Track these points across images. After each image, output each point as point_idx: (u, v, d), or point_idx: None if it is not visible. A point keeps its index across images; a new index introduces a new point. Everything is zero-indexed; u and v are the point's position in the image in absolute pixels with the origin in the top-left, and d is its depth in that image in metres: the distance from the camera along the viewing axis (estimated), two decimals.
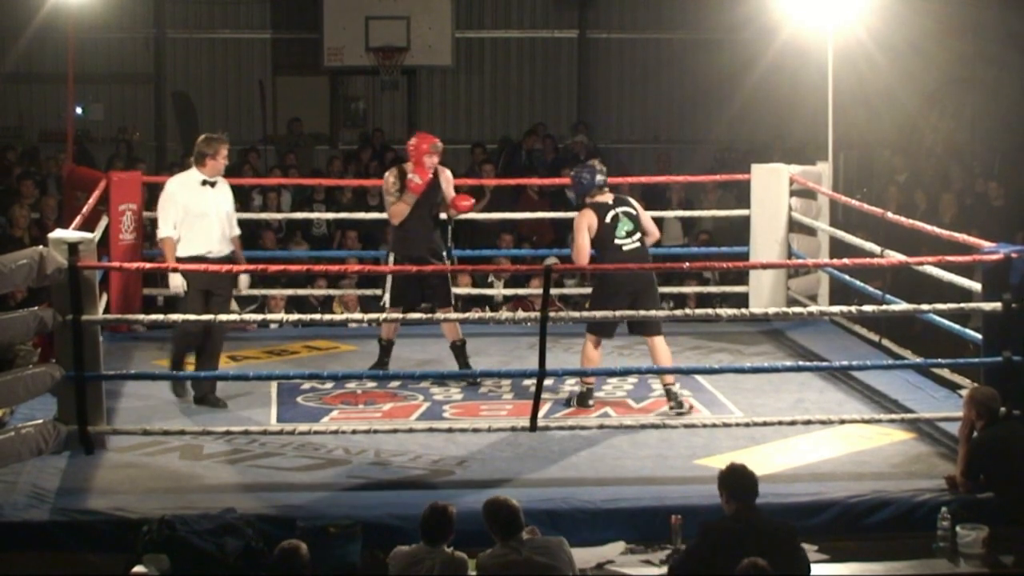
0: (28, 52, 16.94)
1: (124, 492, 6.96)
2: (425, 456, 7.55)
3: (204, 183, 8.61)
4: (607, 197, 8.48)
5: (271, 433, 7.80)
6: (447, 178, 9.07)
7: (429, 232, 9.01)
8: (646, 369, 9.16)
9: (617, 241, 8.38)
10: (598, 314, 8.20)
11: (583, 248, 8.38)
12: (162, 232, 8.48)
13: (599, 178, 8.49)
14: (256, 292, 11.26)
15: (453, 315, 9.00)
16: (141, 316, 9.24)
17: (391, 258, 9.09)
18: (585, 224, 8.39)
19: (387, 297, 9.06)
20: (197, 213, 8.48)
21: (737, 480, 6.15)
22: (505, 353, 9.79)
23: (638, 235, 8.43)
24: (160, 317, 7.95)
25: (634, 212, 8.45)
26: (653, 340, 8.46)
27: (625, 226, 8.41)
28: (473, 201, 9.16)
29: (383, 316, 8.90)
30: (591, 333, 8.45)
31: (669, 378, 8.41)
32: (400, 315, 8.71)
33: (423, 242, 8.96)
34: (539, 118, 18.03)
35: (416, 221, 8.95)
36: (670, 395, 8.37)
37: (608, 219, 8.38)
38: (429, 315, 8.61)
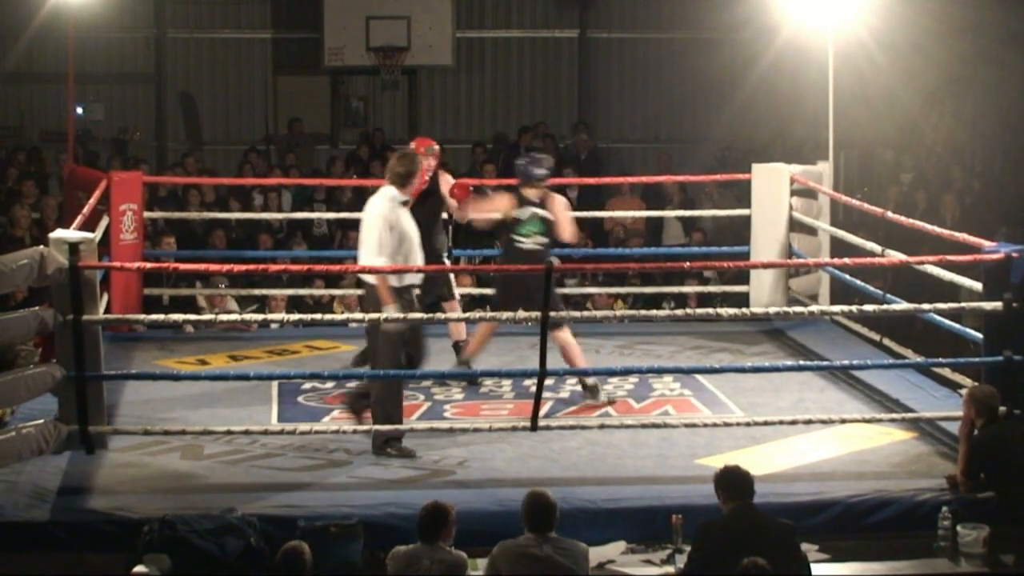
0: (28, 52, 16.93)
1: (125, 492, 6.96)
2: (426, 456, 7.55)
3: (404, 203, 7.83)
4: (535, 193, 8.66)
5: (272, 433, 7.80)
6: (447, 181, 9.08)
7: (428, 234, 8.97)
8: (647, 369, 9.18)
9: (515, 237, 8.61)
10: (598, 314, 8.21)
11: (484, 209, 8.89)
12: (371, 258, 7.63)
13: (539, 172, 8.68)
14: (256, 292, 11.28)
15: (454, 315, 9.01)
16: (142, 316, 9.23)
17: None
18: (500, 203, 8.79)
19: None
20: (405, 236, 7.74)
21: (732, 480, 6.18)
22: (506, 353, 9.78)
23: (539, 238, 8.61)
24: (161, 317, 7.94)
25: (552, 218, 8.61)
26: (558, 335, 8.51)
27: (532, 226, 8.62)
28: (469, 186, 9.11)
29: (383, 316, 8.90)
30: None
31: (579, 364, 8.54)
32: (401, 315, 8.70)
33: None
34: (539, 118, 18.03)
35: (513, 242, 8.95)
36: (586, 388, 8.61)
37: (520, 215, 8.62)
38: (431, 315, 8.60)
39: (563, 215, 8.70)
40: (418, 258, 7.83)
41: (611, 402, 8.56)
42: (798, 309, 8.69)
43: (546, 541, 5.92)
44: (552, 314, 7.62)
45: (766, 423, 7.77)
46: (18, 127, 17.72)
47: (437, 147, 9.12)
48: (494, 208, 8.83)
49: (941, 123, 16.82)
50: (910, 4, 14.37)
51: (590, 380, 8.62)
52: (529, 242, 8.62)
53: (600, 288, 12.00)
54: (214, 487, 7.09)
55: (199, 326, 10.33)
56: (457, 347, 9.13)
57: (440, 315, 8.84)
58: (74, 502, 6.79)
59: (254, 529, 6.37)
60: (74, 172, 11.21)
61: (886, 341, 9.94)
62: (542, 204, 8.66)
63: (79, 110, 17.13)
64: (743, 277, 11.00)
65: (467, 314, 9.39)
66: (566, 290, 11.66)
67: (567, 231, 8.72)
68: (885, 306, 8.96)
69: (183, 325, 10.23)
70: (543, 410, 7.96)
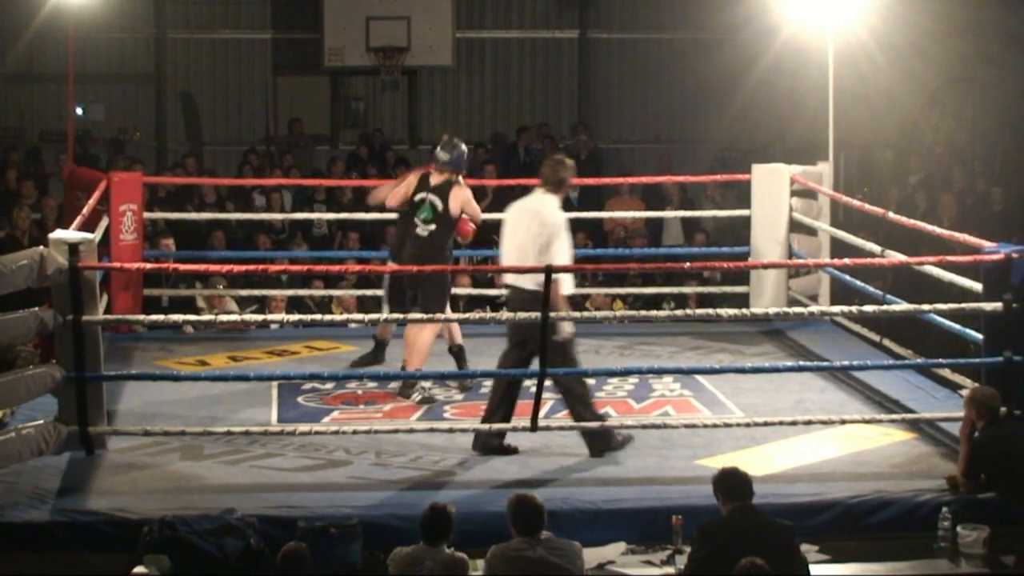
0: (28, 52, 16.93)
1: (125, 493, 6.96)
2: (426, 456, 7.55)
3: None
4: (439, 178, 8.68)
5: (272, 433, 7.80)
6: (459, 195, 8.76)
7: (423, 238, 8.83)
8: (647, 369, 9.18)
9: (415, 219, 8.66)
10: (599, 314, 8.20)
11: (395, 195, 8.79)
12: (561, 261, 7.60)
13: (440, 155, 8.67)
14: (256, 292, 11.29)
15: (453, 315, 9.00)
16: (141, 316, 9.23)
17: (389, 261, 9.22)
18: (405, 183, 8.82)
19: (385, 301, 9.22)
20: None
21: (730, 482, 6.18)
22: None
23: (432, 226, 8.62)
24: (161, 317, 7.94)
25: (440, 206, 8.60)
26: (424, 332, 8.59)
27: (423, 212, 8.64)
28: (473, 229, 9.01)
29: (383, 316, 8.91)
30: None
31: (412, 364, 8.57)
32: (399, 316, 8.70)
33: (416, 247, 8.81)
34: (539, 118, 18.03)
35: (412, 227, 8.85)
36: (405, 386, 8.59)
37: (416, 198, 8.68)
38: (431, 315, 8.59)
39: (457, 206, 8.64)
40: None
41: (426, 401, 8.54)
42: (798, 309, 8.68)
43: (538, 542, 5.92)
44: (555, 314, 7.59)
45: (766, 423, 7.76)
46: (18, 127, 17.72)
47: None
48: (403, 190, 8.80)
49: (941, 123, 16.82)
50: (910, 4, 14.37)
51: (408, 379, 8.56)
52: (423, 228, 8.63)
53: (600, 288, 11.99)
54: (214, 487, 7.09)
55: (199, 326, 10.33)
56: (452, 351, 9.16)
57: (440, 315, 8.83)
58: (74, 502, 6.79)
59: (254, 530, 6.37)
60: (74, 172, 11.21)
61: (886, 342, 9.93)
62: (440, 191, 8.63)
63: (79, 110, 17.12)
64: (743, 277, 11.00)
65: (467, 315, 9.38)
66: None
67: (473, 218, 8.76)
68: (885, 307, 8.96)
69: (183, 326, 10.22)
70: (543, 410, 7.95)
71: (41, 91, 17.60)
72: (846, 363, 8.59)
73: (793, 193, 10.71)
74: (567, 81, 18.47)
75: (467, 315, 9.22)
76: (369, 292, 11.33)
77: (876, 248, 9.42)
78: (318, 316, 9.19)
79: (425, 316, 8.33)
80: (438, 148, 8.70)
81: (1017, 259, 7.58)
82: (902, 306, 8.70)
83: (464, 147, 8.82)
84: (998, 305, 7.60)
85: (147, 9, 17.82)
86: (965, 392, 7.64)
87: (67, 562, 6.48)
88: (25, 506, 6.71)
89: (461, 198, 8.69)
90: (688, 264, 10.53)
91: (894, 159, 16.37)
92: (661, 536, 6.60)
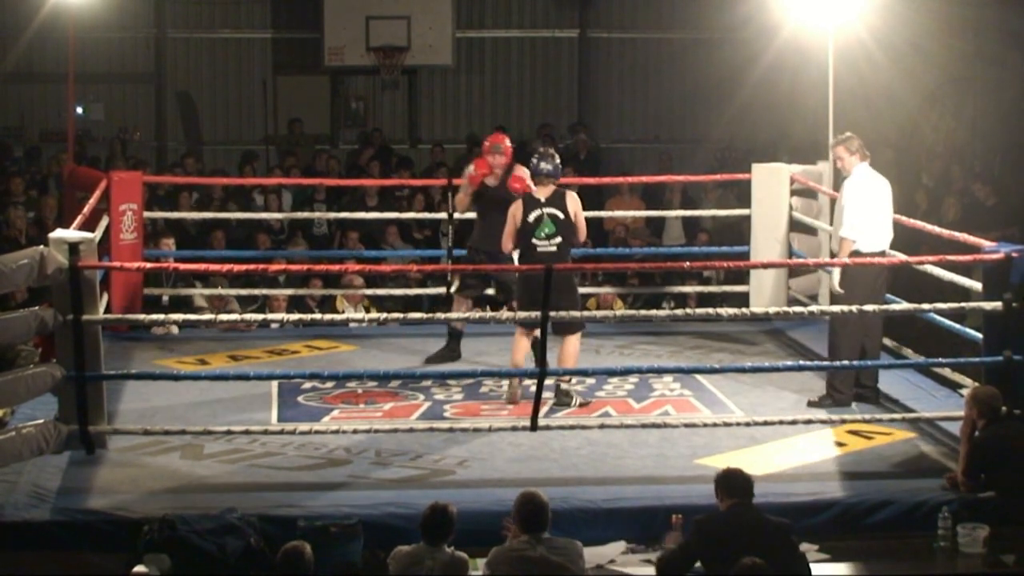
0: (28, 52, 16.94)
1: (125, 492, 6.96)
2: (426, 456, 7.55)
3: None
4: (544, 192, 8.53)
5: (272, 433, 7.80)
6: (576, 201, 8.78)
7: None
8: (647, 369, 9.17)
9: (534, 240, 8.44)
10: (598, 314, 8.21)
11: (508, 235, 8.56)
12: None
13: (544, 167, 8.56)
14: (256, 292, 11.28)
15: (452, 315, 9.00)
16: (141, 316, 9.22)
17: (468, 249, 9.37)
18: (511, 214, 8.56)
19: (456, 284, 9.39)
20: None
21: (732, 480, 6.19)
22: (506, 353, 9.77)
23: (558, 239, 8.43)
24: (161, 317, 7.94)
25: (561, 216, 8.44)
26: (564, 338, 8.49)
27: (546, 228, 8.44)
28: (524, 180, 9.02)
29: (384, 316, 8.92)
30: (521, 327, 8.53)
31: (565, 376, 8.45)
32: (400, 315, 8.71)
33: (497, 238, 8.88)
34: (539, 118, 18.04)
35: (492, 217, 9.00)
36: (559, 391, 8.43)
37: (531, 218, 8.46)
38: (431, 314, 8.59)
39: (578, 216, 8.55)
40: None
41: (584, 404, 8.49)
42: (798, 309, 8.68)
43: (539, 542, 5.92)
44: (560, 314, 7.60)
45: (766, 423, 7.77)
46: (18, 127, 17.73)
47: (503, 145, 9.16)
48: (511, 222, 8.56)
49: (941, 123, 16.81)
50: (910, 4, 14.35)
51: (563, 385, 8.50)
52: (547, 244, 8.43)
53: (600, 288, 11.99)
54: (214, 487, 7.09)
55: (199, 326, 10.32)
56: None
57: (440, 315, 8.83)
58: (74, 502, 6.79)
59: (254, 529, 6.37)
60: (74, 172, 11.21)
61: (886, 341, 9.92)
62: (553, 203, 8.49)
63: (79, 110, 17.13)
64: (743, 277, 11.00)
65: (467, 313, 9.38)
66: None
67: (581, 233, 8.63)
68: (885, 306, 8.96)
69: (162, 325, 10.15)
70: (543, 410, 7.95)
71: (41, 91, 17.63)
72: (846, 363, 8.59)
73: (793, 193, 10.71)
74: (567, 81, 18.49)
75: (467, 315, 9.20)
76: (370, 292, 11.33)
77: None
78: (318, 316, 9.18)
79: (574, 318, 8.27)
80: (537, 161, 8.59)
81: (1017, 258, 7.58)
82: (902, 306, 8.70)
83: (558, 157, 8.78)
84: (998, 304, 7.61)
85: (147, 9, 17.84)
86: (966, 391, 7.64)
87: (67, 562, 6.48)
88: (25, 505, 6.71)
89: (578, 204, 8.59)
90: (688, 264, 10.51)
91: (893, 159, 16.35)
92: (661, 535, 6.60)
